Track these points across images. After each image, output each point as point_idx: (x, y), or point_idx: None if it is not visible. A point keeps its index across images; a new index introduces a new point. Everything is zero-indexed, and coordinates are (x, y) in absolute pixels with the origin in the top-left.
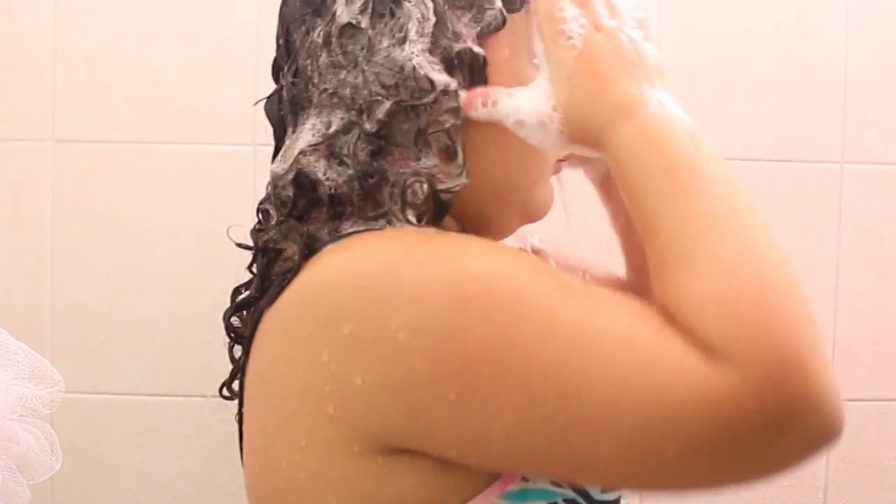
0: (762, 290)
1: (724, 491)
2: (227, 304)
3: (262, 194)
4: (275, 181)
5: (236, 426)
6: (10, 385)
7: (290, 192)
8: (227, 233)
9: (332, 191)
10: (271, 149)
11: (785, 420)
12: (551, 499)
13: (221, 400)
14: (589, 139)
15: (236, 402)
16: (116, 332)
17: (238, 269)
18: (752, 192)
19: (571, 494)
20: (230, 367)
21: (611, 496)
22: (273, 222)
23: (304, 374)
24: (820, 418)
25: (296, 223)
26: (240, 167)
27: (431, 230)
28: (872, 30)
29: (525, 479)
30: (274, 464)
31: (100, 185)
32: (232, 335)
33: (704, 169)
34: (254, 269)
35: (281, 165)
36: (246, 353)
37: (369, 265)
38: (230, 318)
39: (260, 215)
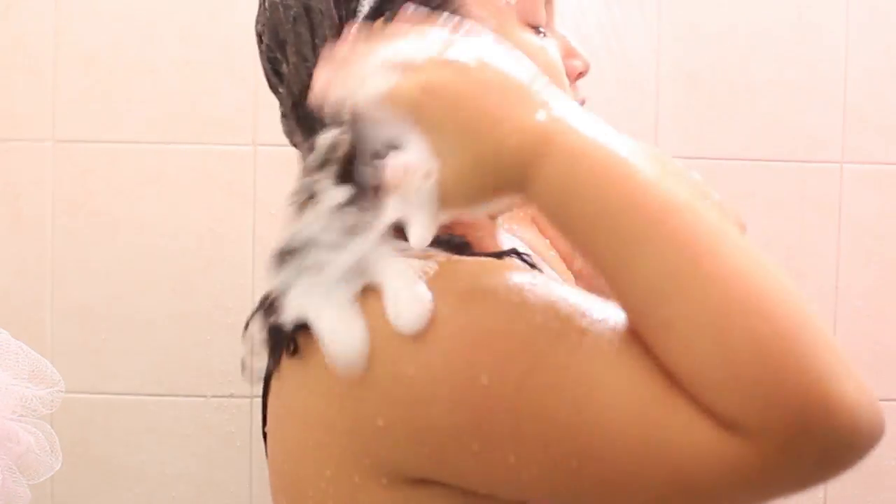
0: (760, 345)
1: None
2: (227, 304)
3: (262, 194)
4: None
5: (236, 426)
6: (10, 385)
7: None
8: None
9: None
10: (271, 149)
11: (820, 464)
12: None
13: (221, 400)
14: (502, 193)
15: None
16: (116, 332)
17: (238, 269)
18: (751, 193)
19: None
20: (230, 367)
21: None
22: None
23: (325, 407)
24: (857, 443)
25: None
26: (240, 167)
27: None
28: (872, 30)
29: None
30: (300, 491)
31: (100, 185)
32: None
33: (656, 198)
34: None
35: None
36: (275, 360)
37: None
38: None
39: None
